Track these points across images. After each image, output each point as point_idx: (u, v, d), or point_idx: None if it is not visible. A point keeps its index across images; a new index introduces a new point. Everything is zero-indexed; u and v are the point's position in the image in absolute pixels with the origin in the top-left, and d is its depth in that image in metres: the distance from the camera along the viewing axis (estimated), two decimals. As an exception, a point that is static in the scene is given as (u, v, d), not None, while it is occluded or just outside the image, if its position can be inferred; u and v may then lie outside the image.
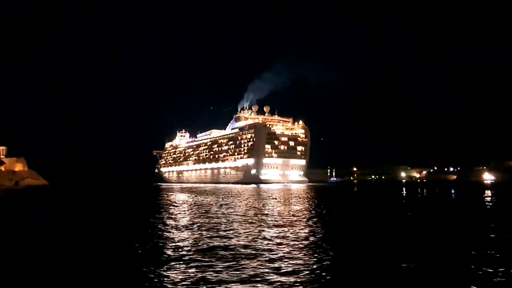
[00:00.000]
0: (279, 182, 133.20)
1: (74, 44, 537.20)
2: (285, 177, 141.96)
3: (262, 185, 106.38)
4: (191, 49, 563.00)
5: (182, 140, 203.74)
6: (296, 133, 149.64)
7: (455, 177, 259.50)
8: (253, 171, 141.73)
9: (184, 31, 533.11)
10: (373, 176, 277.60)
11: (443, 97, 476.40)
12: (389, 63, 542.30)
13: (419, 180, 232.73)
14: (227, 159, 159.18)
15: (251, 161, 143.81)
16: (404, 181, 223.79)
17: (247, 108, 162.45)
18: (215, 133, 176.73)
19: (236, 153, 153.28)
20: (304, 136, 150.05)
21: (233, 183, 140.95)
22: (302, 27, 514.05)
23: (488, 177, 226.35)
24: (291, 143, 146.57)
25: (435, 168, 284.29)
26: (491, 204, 36.57)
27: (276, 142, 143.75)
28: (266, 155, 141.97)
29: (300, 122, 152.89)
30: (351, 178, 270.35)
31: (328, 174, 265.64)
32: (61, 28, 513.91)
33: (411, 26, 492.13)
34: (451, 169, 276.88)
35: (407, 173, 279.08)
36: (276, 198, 43.38)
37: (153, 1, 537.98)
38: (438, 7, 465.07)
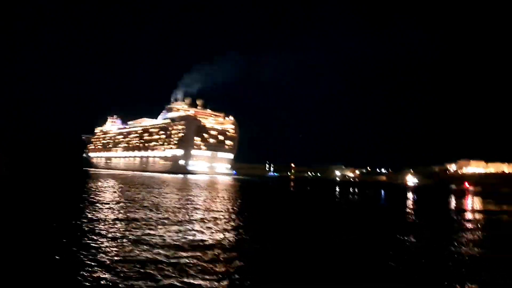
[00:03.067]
0: (206, 174, 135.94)
1: (74, 43, 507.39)
2: (212, 169, 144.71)
3: (189, 176, 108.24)
4: (190, 47, 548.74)
5: (113, 126, 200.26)
6: (225, 128, 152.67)
7: (385, 178, 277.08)
8: (181, 162, 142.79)
9: (182, 27, 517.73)
10: (309, 173, 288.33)
11: (443, 97, 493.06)
12: (389, 63, 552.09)
13: (351, 180, 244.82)
14: (156, 149, 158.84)
15: (180, 152, 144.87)
16: (338, 179, 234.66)
17: (180, 99, 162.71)
18: (147, 121, 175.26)
19: (166, 143, 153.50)
20: (233, 131, 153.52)
21: (160, 172, 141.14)
22: (303, 26, 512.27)
23: (411, 180, 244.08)
24: (220, 137, 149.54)
25: (368, 168, 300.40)
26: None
27: (205, 135, 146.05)
28: (195, 147, 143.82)
29: (230, 117, 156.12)
30: (288, 173, 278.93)
31: (267, 169, 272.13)
32: (61, 27, 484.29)
33: (412, 26, 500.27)
34: (383, 170, 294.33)
35: (342, 172, 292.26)
36: (204, 189, 45.98)
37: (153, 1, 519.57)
38: (439, 7, 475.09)
